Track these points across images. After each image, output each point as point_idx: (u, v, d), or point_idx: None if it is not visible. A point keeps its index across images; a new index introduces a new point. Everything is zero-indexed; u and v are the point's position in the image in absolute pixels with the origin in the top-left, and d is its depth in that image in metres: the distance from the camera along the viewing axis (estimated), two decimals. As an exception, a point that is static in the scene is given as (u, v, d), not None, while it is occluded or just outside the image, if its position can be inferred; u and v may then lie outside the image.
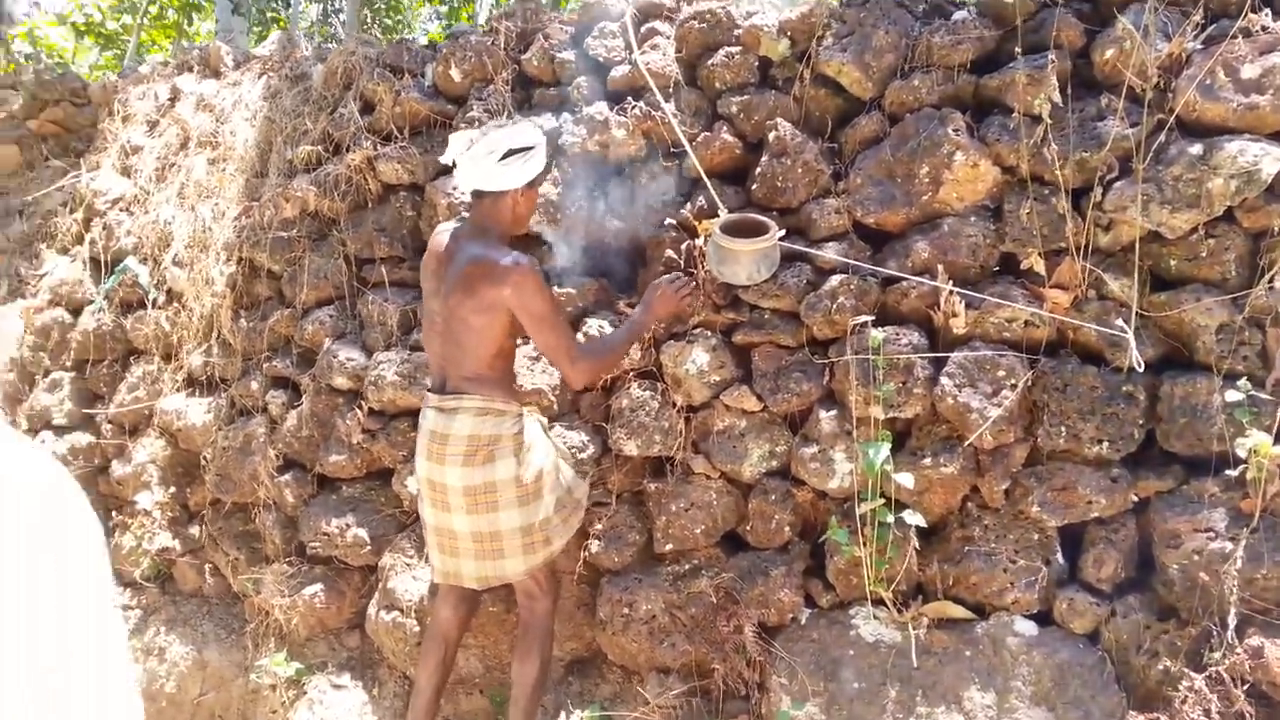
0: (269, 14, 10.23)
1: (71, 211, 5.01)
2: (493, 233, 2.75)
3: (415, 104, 3.76)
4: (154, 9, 9.46)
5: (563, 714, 3.12)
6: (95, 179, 4.97)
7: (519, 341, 2.94)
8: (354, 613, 3.68)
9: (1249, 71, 2.58)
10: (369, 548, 3.56)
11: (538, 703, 2.89)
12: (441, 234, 2.88)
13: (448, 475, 2.74)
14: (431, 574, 3.02)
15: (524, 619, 2.92)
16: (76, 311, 4.76)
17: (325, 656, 3.61)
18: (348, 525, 3.59)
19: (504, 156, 2.66)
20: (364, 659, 3.59)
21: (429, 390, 2.86)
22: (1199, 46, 2.65)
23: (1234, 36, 2.59)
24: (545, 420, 2.96)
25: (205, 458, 4.05)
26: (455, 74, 3.71)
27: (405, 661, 3.37)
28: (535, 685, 2.86)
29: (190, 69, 5.17)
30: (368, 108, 3.97)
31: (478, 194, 2.76)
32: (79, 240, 4.94)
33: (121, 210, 4.79)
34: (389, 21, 11.35)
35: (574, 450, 3.17)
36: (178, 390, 4.28)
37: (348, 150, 3.87)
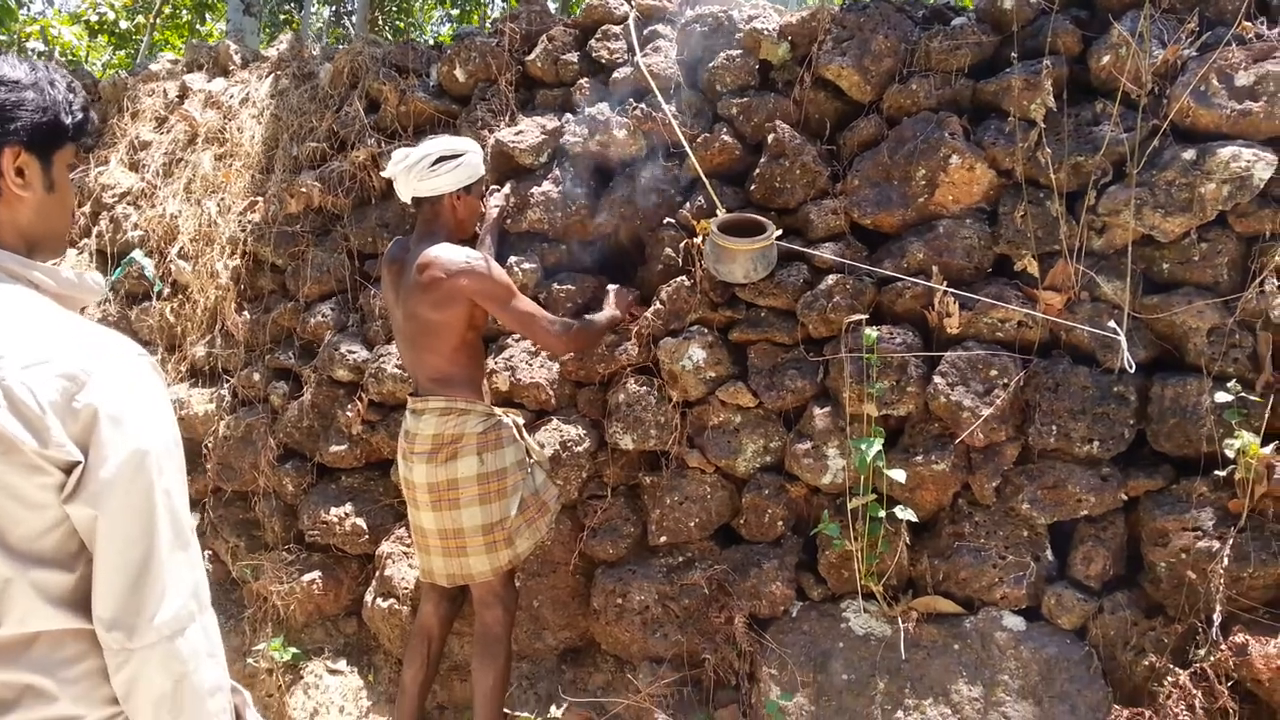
0: (281, 15, 10.31)
1: (80, 205, 5.06)
2: (439, 236, 2.85)
3: (420, 103, 3.81)
4: (167, 9, 9.54)
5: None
6: (103, 173, 5.03)
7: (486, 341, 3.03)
8: (351, 600, 3.72)
9: (1243, 79, 2.62)
10: (366, 536, 3.61)
11: (499, 707, 2.94)
12: (393, 247, 3.03)
13: (415, 473, 2.86)
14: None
15: (479, 628, 2.97)
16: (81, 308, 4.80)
17: (322, 642, 3.65)
18: (346, 514, 3.64)
19: (435, 163, 2.79)
20: (360, 645, 3.63)
21: (409, 394, 2.95)
22: (1194, 53, 2.69)
23: (1229, 44, 2.62)
24: (521, 421, 3.01)
25: (207, 447, 4.09)
26: (460, 74, 3.76)
27: (401, 648, 3.40)
28: (493, 692, 2.91)
29: (200, 67, 5.23)
30: (373, 106, 4.02)
31: (417, 202, 2.89)
32: (86, 233, 4.99)
33: (129, 204, 4.84)
34: (400, 24, 11.43)
35: (570, 444, 3.21)
36: (181, 380, 4.33)
37: (352, 148, 3.92)
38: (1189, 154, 2.62)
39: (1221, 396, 2.49)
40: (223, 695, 1.36)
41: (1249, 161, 2.53)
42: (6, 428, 1.14)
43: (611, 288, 3.22)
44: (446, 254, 2.73)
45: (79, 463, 1.19)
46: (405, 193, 2.86)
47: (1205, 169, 2.57)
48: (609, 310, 3.12)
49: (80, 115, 1.39)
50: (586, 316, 3.07)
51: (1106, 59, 2.76)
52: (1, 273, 1.28)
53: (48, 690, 1.23)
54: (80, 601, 1.24)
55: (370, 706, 3.37)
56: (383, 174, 3.15)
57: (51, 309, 1.28)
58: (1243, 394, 2.49)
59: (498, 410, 2.92)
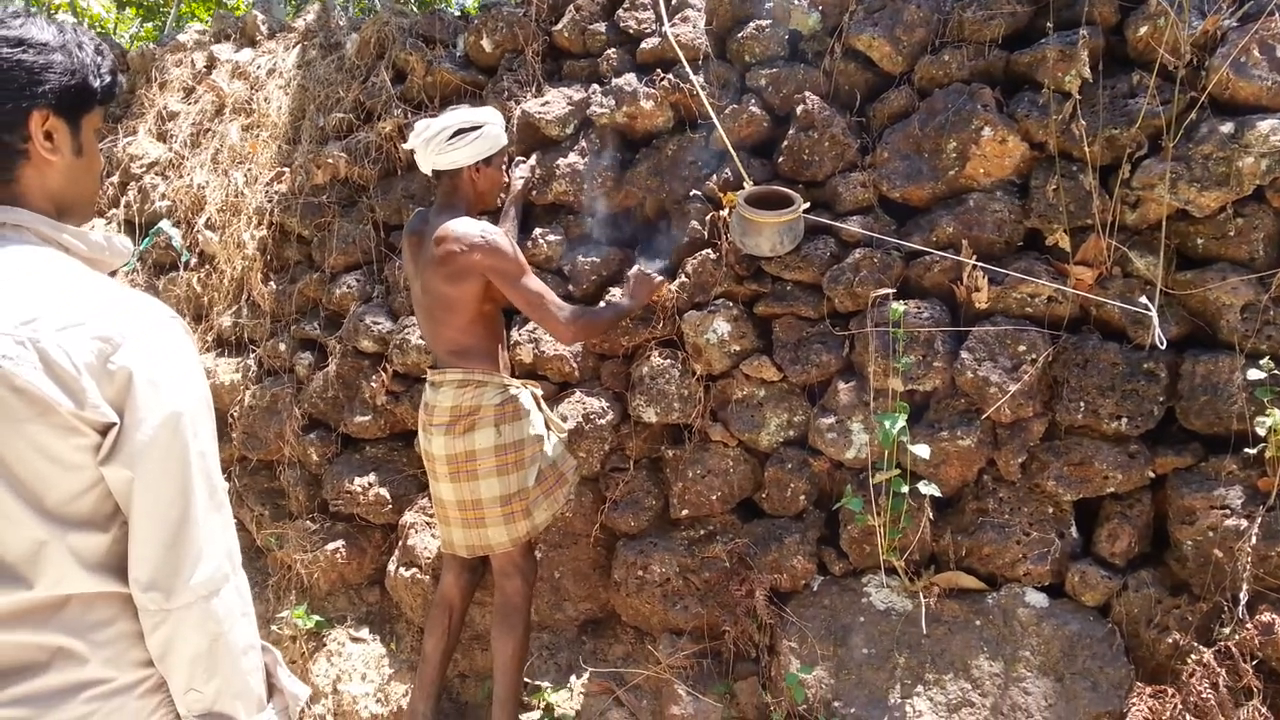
0: (306, -12, 10.28)
1: (108, 175, 5.10)
2: (459, 209, 2.84)
3: (447, 74, 3.80)
4: (194, -19, 9.57)
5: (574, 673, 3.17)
6: (132, 144, 5.06)
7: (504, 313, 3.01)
8: (374, 569, 3.75)
9: (1284, 50, 2.56)
10: (390, 506, 3.63)
11: (518, 676, 2.96)
12: (414, 219, 3.02)
13: (433, 445, 2.87)
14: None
15: (498, 598, 2.99)
16: (112, 273, 4.85)
17: (345, 610, 3.69)
18: (370, 484, 3.66)
19: (453, 136, 2.76)
20: (383, 614, 3.66)
21: (429, 367, 2.96)
22: (1234, 24, 2.63)
23: (1270, 14, 2.56)
24: (539, 391, 3.01)
25: (233, 416, 4.13)
26: (486, 44, 3.75)
27: (423, 617, 3.43)
28: (513, 661, 2.93)
29: (227, 38, 5.25)
30: (400, 77, 4.01)
31: (438, 175, 2.87)
32: (115, 203, 5.03)
33: (156, 174, 4.87)
34: (427, -5, 11.36)
35: (593, 416, 3.21)
36: (207, 350, 4.37)
37: (379, 119, 3.92)
38: (1227, 127, 2.56)
39: (1253, 374, 2.45)
40: (255, 654, 1.38)
41: (1289, 135, 2.48)
42: (43, 389, 1.15)
43: (634, 271, 3.11)
44: (462, 228, 2.72)
45: (114, 424, 1.20)
46: (425, 165, 2.84)
47: (1243, 142, 2.52)
48: (626, 300, 3.02)
49: (109, 79, 1.38)
50: (605, 300, 3.04)
51: (1144, 30, 2.70)
52: (32, 235, 1.28)
53: (79, 652, 1.24)
54: (113, 564, 1.25)
55: (392, 674, 3.40)
56: (404, 146, 3.14)
57: (83, 272, 1.29)
58: (1275, 371, 2.45)
59: (516, 382, 2.92)
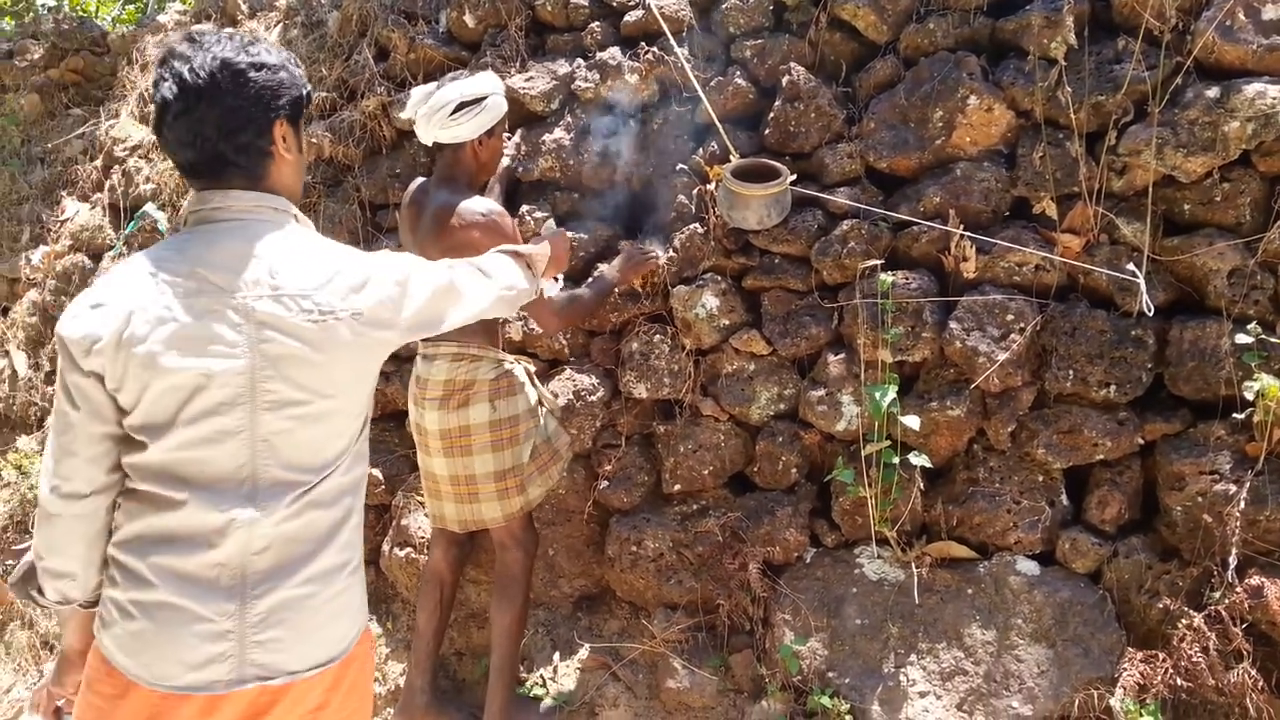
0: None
1: (91, 159, 5.06)
2: (460, 181, 2.81)
3: (429, 50, 3.76)
4: (173, -39, 9.44)
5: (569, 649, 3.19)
6: (115, 126, 5.02)
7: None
8: (368, 549, 3.75)
9: (1270, 12, 2.55)
10: (383, 487, 3.64)
11: (516, 646, 2.96)
12: (413, 188, 2.98)
13: (426, 419, 2.85)
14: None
15: (498, 569, 2.99)
16: (97, 256, 4.83)
17: (340, 591, 3.69)
18: (362, 465, 3.66)
19: (455, 111, 2.72)
20: (378, 594, 3.67)
21: (421, 340, 2.94)
22: (1220, -13, 2.62)
23: (1255, -23, 2.55)
24: (532, 368, 3.00)
25: (223, 400, 4.12)
26: (469, 20, 3.71)
27: (418, 595, 3.43)
28: (510, 631, 2.92)
29: (209, 18, 5.19)
30: (382, 54, 3.97)
31: (438, 146, 2.83)
32: (99, 187, 4.99)
33: (140, 157, 4.83)
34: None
35: (584, 393, 3.21)
36: (196, 334, 4.35)
37: (362, 97, 3.88)
38: (1213, 92, 2.55)
39: (1241, 339, 2.45)
40: (508, 272, 2.12)
41: (1275, 98, 2.47)
42: (381, 316, 1.60)
43: (625, 249, 3.12)
44: (465, 204, 2.70)
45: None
46: (426, 137, 2.81)
47: (1229, 107, 2.51)
48: (614, 275, 3.01)
49: (309, 88, 1.67)
50: (593, 276, 3.01)
51: (1129, -6, 2.69)
52: (290, 217, 1.61)
53: (344, 535, 1.62)
54: (364, 450, 1.69)
55: (389, 654, 3.42)
56: (401, 115, 3.07)
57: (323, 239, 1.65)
58: (1263, 336, 2.45)
59: (510, 357, 2.92)
